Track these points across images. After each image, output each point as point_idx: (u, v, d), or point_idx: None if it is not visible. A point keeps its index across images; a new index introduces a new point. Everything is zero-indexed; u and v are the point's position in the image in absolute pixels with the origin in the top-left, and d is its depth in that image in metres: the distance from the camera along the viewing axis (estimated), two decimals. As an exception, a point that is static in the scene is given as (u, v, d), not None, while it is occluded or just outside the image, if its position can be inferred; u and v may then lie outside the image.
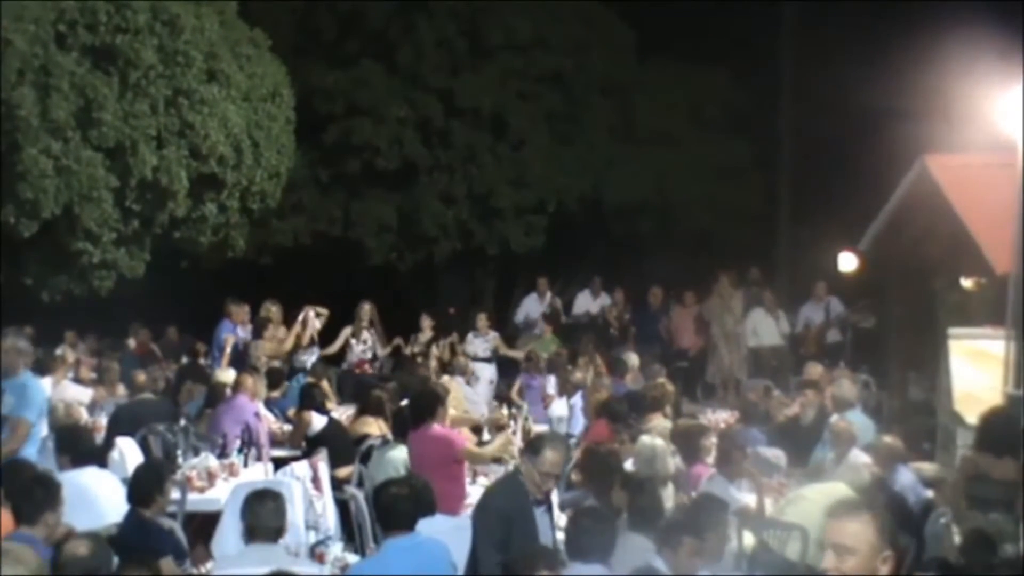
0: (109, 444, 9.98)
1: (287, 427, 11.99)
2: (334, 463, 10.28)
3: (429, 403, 9.37)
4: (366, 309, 16.47)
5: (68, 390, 12.29)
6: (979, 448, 8.05)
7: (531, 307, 19.07)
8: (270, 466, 10.35)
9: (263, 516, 6.37)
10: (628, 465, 8.95)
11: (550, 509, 6.75)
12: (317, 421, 10.98)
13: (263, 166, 17.89)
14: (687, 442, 9.28)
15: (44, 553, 5.76)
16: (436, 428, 9.21)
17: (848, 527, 3.98)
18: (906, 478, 9.06)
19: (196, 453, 10.42)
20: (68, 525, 6.83)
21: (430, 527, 6.88)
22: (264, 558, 6.22)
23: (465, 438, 9.58)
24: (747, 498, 8.60)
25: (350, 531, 9.18)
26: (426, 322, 17.01)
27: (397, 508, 6.42)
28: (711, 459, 9.27)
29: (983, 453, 7.89)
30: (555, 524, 6.80)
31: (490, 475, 9.91)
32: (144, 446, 10.32)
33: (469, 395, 14.18)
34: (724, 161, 22.87)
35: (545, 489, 6.49)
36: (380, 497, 6.66)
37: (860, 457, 9.10)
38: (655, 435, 9.52)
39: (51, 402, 11.41)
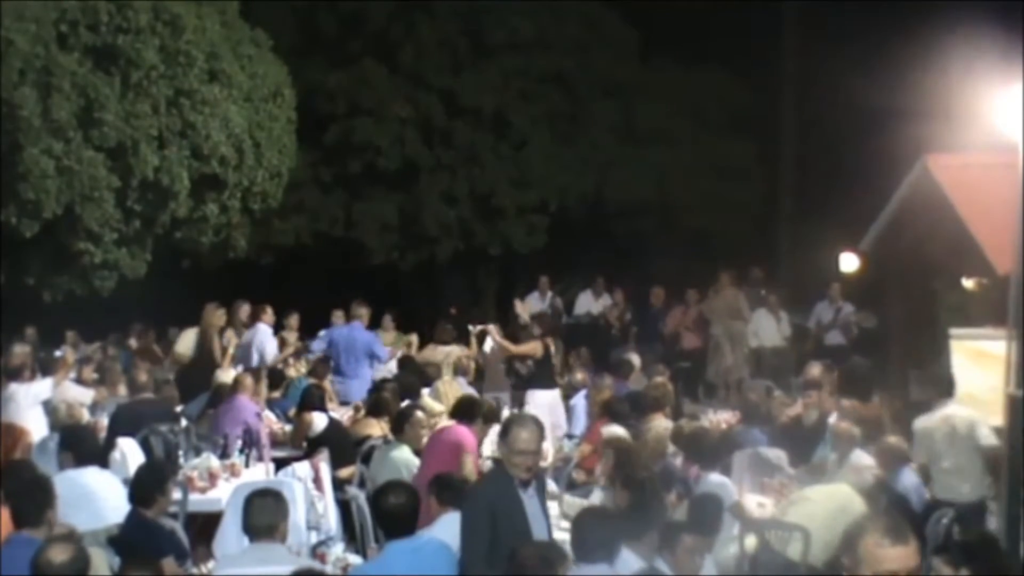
0: (110, 444, 9.97)
1: (288, 427, 11.99)
2: (335, 464, 10.26)
3: (467, 409, 9.72)
4: (244, 309, 15.15)
5: (70, 391, 12.27)
6: (845, 395, 9.46)
7: (533, 306, 19.02)
8: (271, 466, 10.35)
9: (256, 513, 6.36)
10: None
11: (541, 493, 6.73)
12: (318, 421, 10.97)
13: (264, 166, 17.91)
14: (690, 444, 9.27)
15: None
16: (458, 428, 9.47)
17: (892, 553, 3.96)
18: (909, 479, 9.05)
19: (198, 453, 10.41)
20: (69, 525, 6.83)
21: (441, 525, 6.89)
22: (265, 557, 6.21)
23: (474, 448, 9.62)
24: (741, 493, 8.61)
25: (352, 531, 9.18)
26: (292, 321, 16.35)
27: (397, 515, 6.41)
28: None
29: (851, 399, 9.27)
30: (547, 510, 6.79)
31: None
32: (146, 446, 10.31)
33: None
34: (726, 161, 22.90)
35: (525, 467, 6.47)
36: (378, 506, 6.64)
37: (862, 458, 9.09)
38: (657, 435, 9.53)
39: (53, 403, 11.47)
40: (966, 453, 9.49)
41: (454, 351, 14.00)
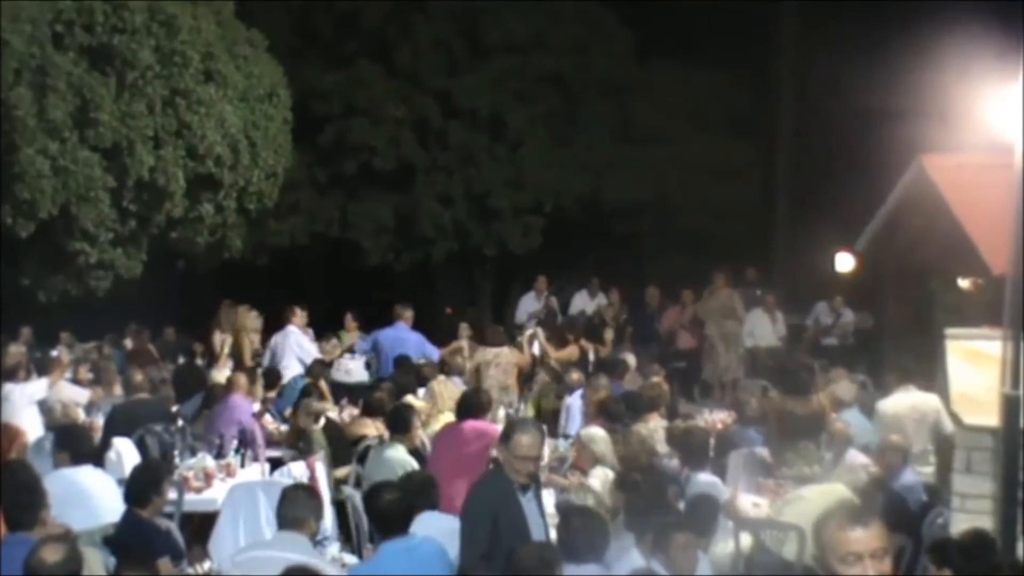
0: (106, 444, 9.96)
1: (284, 427, 11.97)
2: (331, 463, 10.26)
3: (474, 404, 9.72)
4: (253, 316, 15.34)
5: (65, 391, 12.26)
6: (783, 393, 9.51)
7: (528, 306, 19.01)
8: (267, 466, 10.35)
9: (287, 504, 6.48)
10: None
11: (538, 495, 6.75)
12: (314, 421, 10.96)
13: (260, 166, 17.89)
14: (680, 444, 9.27)
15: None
16: (472, 423, 9.50)
17: (854, 535, 3.97)
18: (909, 479, 9.06)
19: (193, 453, 10.41)
20: (64, 524, 6.82)
21: (438, 526, 6.88)
22: (287, 545, 6.32)
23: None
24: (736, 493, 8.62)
25: (347, 531, 9.18)
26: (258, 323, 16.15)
27: (390, 513, 6.43)
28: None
29: (788, 397, 9.33)
30: (544, 511, 6.81)
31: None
32: (141, 446, 10.30)
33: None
34: (722, 161, 22.87)
35: (526, 472, 6.48)
36: (372, 503, 6.65)
37: (857, 458, 9.10)
38: (640, 436, 9.54)
39: (48, 402, 11.45)
40: (932, 439, 10.03)
41: (504, 352, 13.97)
